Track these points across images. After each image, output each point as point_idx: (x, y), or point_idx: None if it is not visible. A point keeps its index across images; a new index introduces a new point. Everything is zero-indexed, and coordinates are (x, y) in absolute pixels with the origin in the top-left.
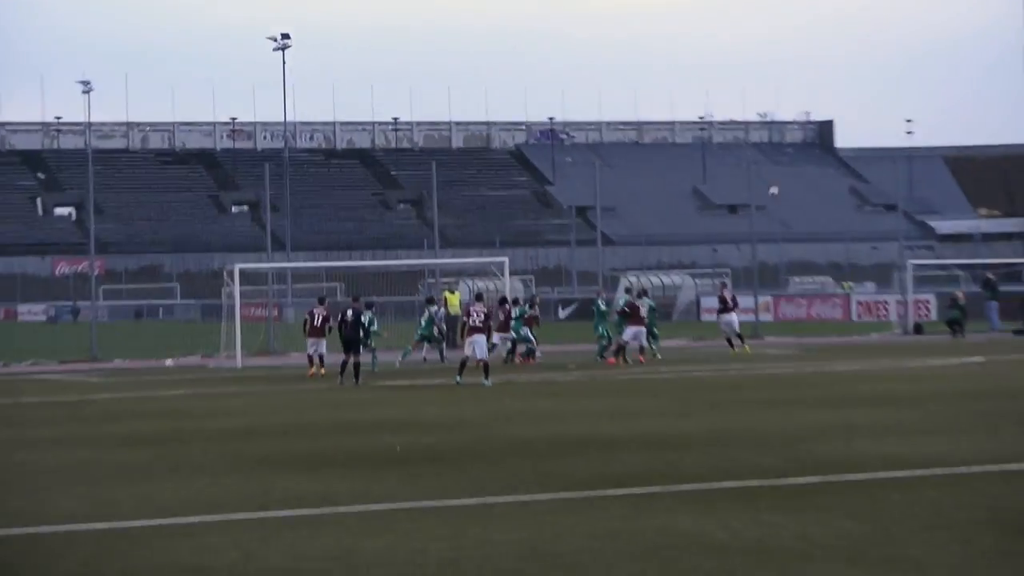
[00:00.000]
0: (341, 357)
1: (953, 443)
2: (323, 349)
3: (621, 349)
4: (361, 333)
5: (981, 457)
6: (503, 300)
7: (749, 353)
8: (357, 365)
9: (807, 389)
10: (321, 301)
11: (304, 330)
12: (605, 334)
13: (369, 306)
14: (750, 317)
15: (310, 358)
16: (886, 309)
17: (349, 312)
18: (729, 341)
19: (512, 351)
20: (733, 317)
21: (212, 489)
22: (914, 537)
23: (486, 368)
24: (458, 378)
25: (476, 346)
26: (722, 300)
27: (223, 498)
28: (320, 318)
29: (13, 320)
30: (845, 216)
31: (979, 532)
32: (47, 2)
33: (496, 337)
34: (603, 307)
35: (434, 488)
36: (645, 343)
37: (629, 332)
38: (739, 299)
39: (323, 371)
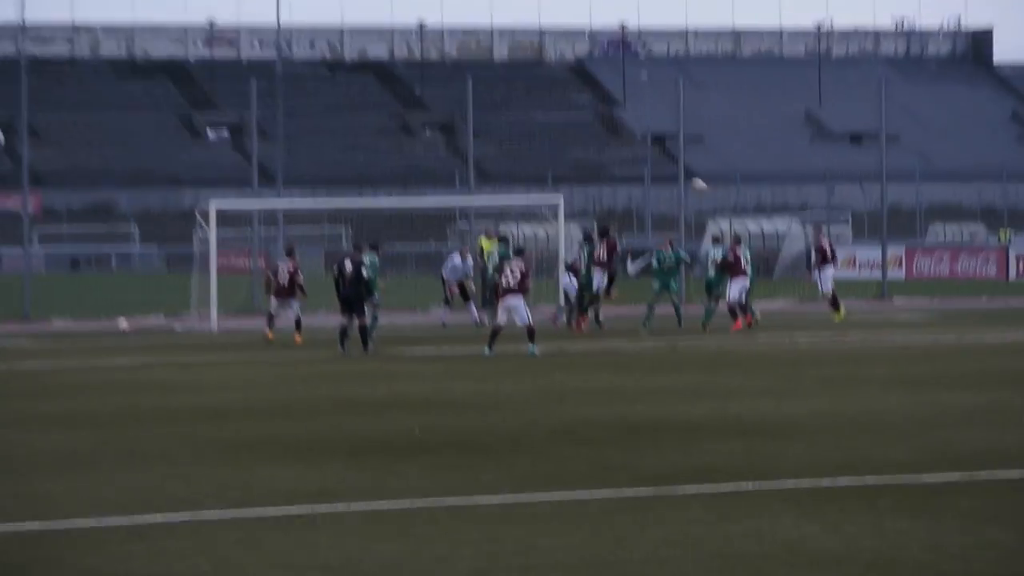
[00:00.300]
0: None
1: None
2: (297, 310)
3: (742, 309)
4: (364, 288)
5: None
6: (605, 231)
7: (841, 318)
8: (364, 328)
9: (946, 364)
10: (289, 253)
11: (266, 289)
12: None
13: (373, 247)
14: (875, 274)
15: (270, 317)
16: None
17: (347, 263)
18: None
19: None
20: (830, 272)
21: (176, 481)
22: None
23: (531, 333)
24: (487, 350)
25: (515, 312)
26: (820, 251)
27: (190, 492)
28: (287, 275)
29: None
30: (1005, 148)
31: None
32: None
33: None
34: (683, 256)
35: (463, 482)
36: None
37: (736, 288)
38: (865, 251)
39: (299, 339)
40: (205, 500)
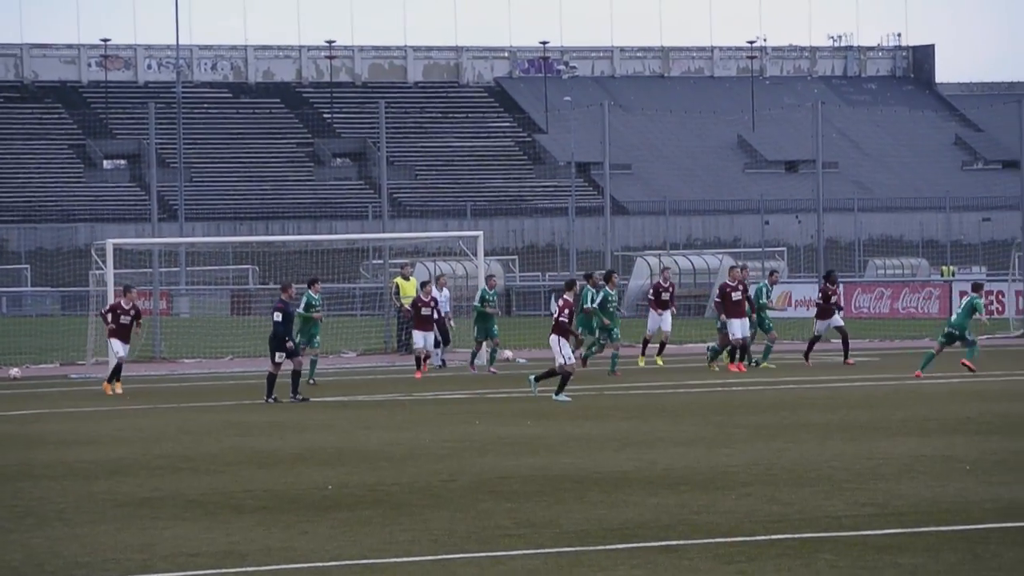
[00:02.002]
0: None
1: None
2: (123, 352)
3: (743, 351)
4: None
5: None
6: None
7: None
8: (295, 373)
9: (886, 410)
10: (127, 290)
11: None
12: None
13: (311, 283)
14: (811, 312)
15: (118, 367)
16: (1001, 302)
17: (276, 314)
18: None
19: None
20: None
21: (72, 543)
22: None
23: (564, 378)
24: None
25: (427, 339)
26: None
27: (87, 555)
28: (128, 315)
29: None
30: (947, 176)
31: None
32: None
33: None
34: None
35: (378, 542)
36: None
37: (736, 326)
38: (800, 288)
39: (119, 389)
40: (105, 564)
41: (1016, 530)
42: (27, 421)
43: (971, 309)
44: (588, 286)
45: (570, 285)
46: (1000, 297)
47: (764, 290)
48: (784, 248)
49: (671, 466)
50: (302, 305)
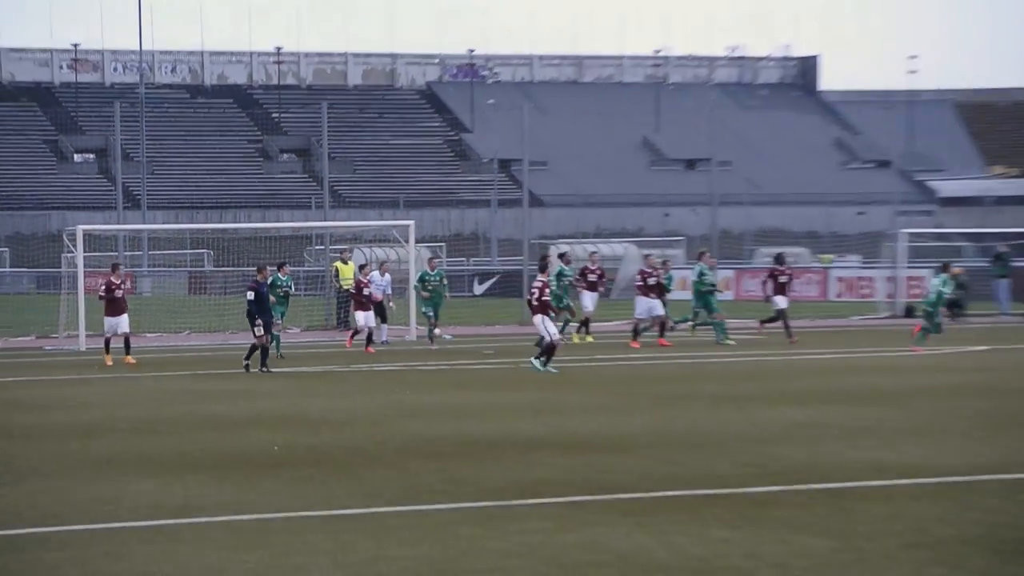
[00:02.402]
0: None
1: (942, 448)
2: (125, 328)
3: (662, 327)
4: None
5: (975, 466)
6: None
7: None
8: (264, 348)
9: (770, 382)
10: (115, 268)
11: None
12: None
13: (280, 266)
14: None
15: (107, 342)
16: (872, 287)
17: (250, 295)
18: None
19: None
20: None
21: (46, 496)
22: (892, 558)
23: (549, 350)
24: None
25: (368, 318)
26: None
27: (60, 506)
28: (120, 289)
29: None
30: (827, 174)
31: (970, 553)
32: None
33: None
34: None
35: (318, 496)
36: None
37: (644, 305)
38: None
39: (123, 360)
40: (76, 514)
41: (877, 487)
42: (6, 388)
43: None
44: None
45: (543, 267)
46: (871, 282)
47: (704, 274)
48: (683, 237)
49: (578, 431)
50: (269, 284)
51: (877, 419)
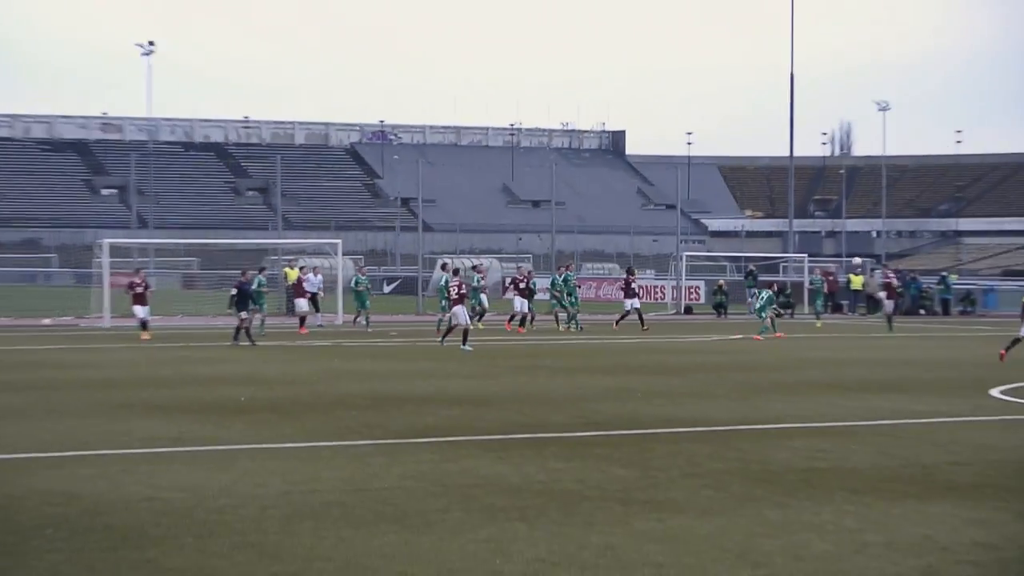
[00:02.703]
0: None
1: (712, 406)
2: (143, 313)
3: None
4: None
5: (735, 418)
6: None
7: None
8: (248, 328)
9: (591, 359)
10: (138, 271)
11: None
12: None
13: (261, 270)
14: (545, 296)
15: (143, 324)
16: (663, 292)
17: (233, 291)
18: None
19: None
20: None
21: (81, 429)
22: (674, 483)
23: (465, 334)
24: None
25: (457, 313)
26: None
27: (91, 437)
28: (140, 287)
29: None
30: (632, 213)
31: (729, 480)
32: None
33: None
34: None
35: (272, 434)
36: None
37: (518, 303)
38: (542, 280)
39: (146, 336)
40: (101, 442)
41: (666, 433)
42: (51, 353)
43: (768, 300)
44: (568, 272)
45: (455, 272)
46: (662, 289)
47: (560, 280)
48: (530, 255)
49: (457, 390)
50: (255, 284)
51: (666, 385)
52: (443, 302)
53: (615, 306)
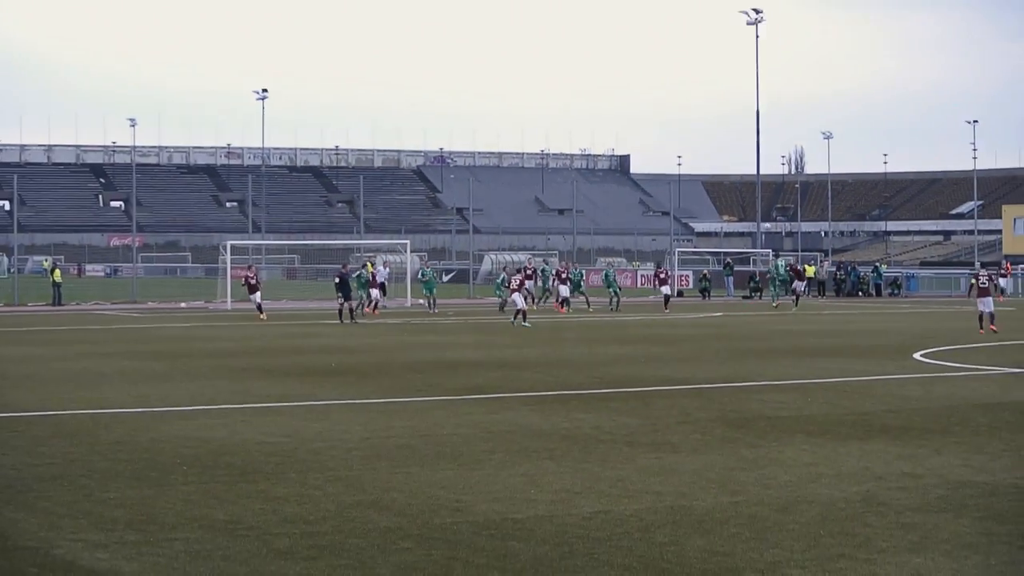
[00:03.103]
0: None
1: (699, 368)
2: (259, 299)
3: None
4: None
5: (717, 377)
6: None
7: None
8: (351, 308)
9: (607, 331)
10: (250, 267)
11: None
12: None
13: (364, 265)
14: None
15: (259, 307)
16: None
17: (337, 279)
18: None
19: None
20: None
21: (209, 389)
22: (671, 429)
23: (524, 314)
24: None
25: (515, 300)
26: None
27: (217, 395)
28: (253, 279)
29: (82, 275)
30: (635, 219)
31: (713, 426)
32: (116, 74)
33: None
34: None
35: (356, 392)
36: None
37: (564, 290)
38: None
39: (264, 317)
40: (224, 398)
41: (663, 390)
42: (186, 329)
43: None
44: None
45: (518, 269)
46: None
47: (581, 273)
48: (557, 251)
49: (501, 356)
50: (356, 274)
51: (663, 352)
52: (498, 291)
53: (623, 291)
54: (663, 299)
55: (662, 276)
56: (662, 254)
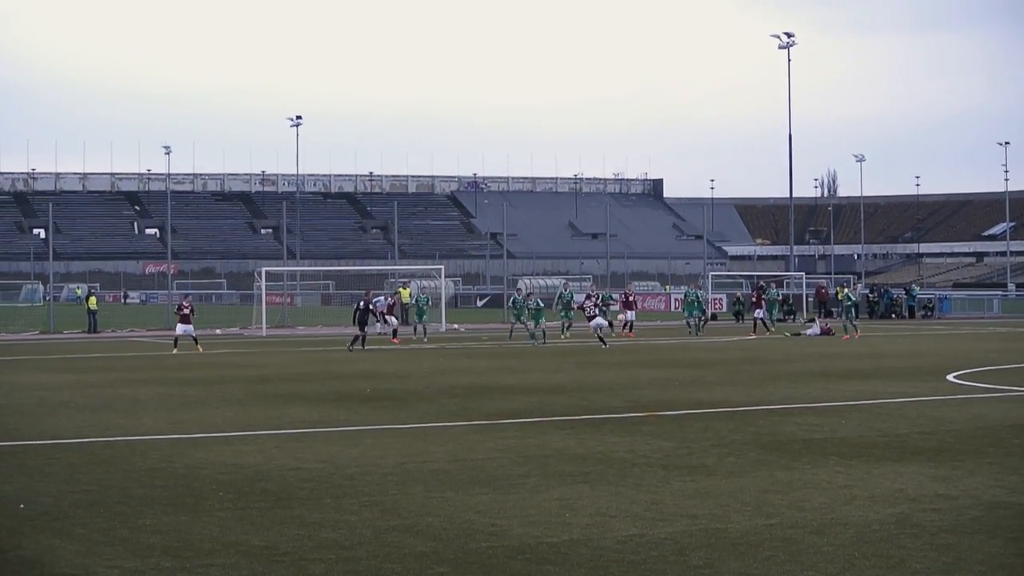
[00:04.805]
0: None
1: (733, 391)
2: (192, 330)
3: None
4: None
5: (751, 400)
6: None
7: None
8: (358, 337)
9: (641, 355)
10: (186, 296)
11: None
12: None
13: (396, 291)
14: (611, 308)
15: (189, 338)
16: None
17: (361, 302)
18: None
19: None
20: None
21: (244, 415)
22: (705, 452)
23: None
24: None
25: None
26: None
27: (252, 420)
28: (189, 307)
29: (119, 303)
30: (668, 243)
31: (748, 449)
32: (149, 106)
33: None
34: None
35: (391, 417)
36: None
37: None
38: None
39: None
40: (259, 424)
41: (698, 413)
42: (220, 355)
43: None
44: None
45: (588, 296)
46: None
47: (609, 296)
48: (591, 275)
49: (534, 382)
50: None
51: (697, 375)
52: (563, 314)
53: (656, 314)
54: (759, 321)
55: (761, 299)
56: (695, 278)
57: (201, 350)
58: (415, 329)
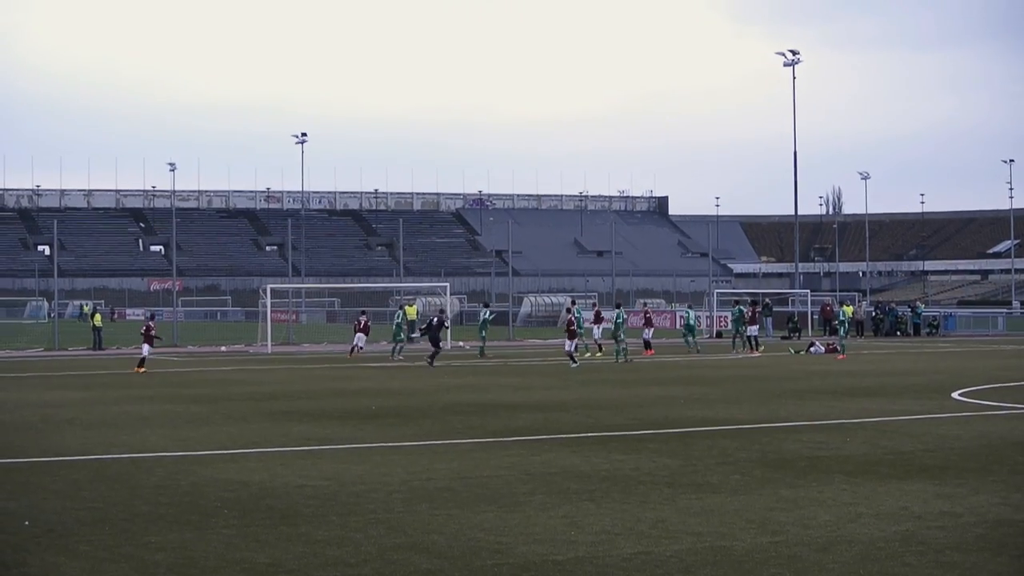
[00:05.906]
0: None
1: (738, 409)
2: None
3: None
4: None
5: (756, 418)
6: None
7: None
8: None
9: (645, 372)
10: (151, 317)
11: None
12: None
13: (403, 307)
14: (608, 326)
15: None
16: (699, 322)
17: (434, 319)
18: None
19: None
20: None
21: (250, 432)
22: (710, 469)
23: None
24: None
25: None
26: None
27: (257, 438)
28: (155, 330)
29: (123, 319)
30: (673, 260)
31: (753, 467)
32: (159, 118)
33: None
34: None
35: (396, 434)
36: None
37: (596, 331)
38: (607, 312)
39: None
40: (264, 441)
41: (703, 431)
42: (224, 372)
43: (738, 315)
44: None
45: (568, 309)
46: (698, 319)
47: (622, 315)
48: (596, 292)
49: (539, 399)
50: (399, 318)
51: (702, 393)
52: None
53: (661, 332)
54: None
55: (755, 314)
56: (700, 296)
57: (140, 371)
58: (392, 350)
